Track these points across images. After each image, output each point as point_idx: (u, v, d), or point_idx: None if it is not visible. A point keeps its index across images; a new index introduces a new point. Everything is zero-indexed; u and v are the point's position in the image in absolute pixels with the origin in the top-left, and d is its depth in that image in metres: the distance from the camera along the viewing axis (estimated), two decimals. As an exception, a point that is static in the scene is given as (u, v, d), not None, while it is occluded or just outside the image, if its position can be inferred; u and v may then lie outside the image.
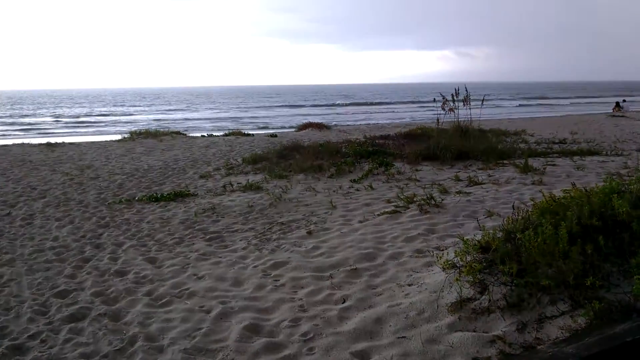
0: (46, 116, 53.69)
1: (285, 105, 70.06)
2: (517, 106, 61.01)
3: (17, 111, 63.51)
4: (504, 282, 3.84)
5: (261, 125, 39.78)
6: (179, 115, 53.96)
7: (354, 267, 5.21)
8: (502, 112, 43.99)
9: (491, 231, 4.36)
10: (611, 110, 32.91)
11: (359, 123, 35.65)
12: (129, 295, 5.00)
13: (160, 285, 5.22)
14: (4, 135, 34.36)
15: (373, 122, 36.63)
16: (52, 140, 20.72)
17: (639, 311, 3.13)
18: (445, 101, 12.94)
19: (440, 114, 13.08)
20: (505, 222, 4.53)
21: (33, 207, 9.14)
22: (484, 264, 4.09)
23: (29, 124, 43.73)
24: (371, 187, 9.07)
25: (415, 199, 7.51)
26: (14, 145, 19.48)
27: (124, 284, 5.30)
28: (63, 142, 19.77)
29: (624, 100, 39.18)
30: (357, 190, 9.01)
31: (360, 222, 6.95)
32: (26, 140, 21.92)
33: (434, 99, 13.24)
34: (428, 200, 7.25)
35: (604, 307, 3.23)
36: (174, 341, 4.00)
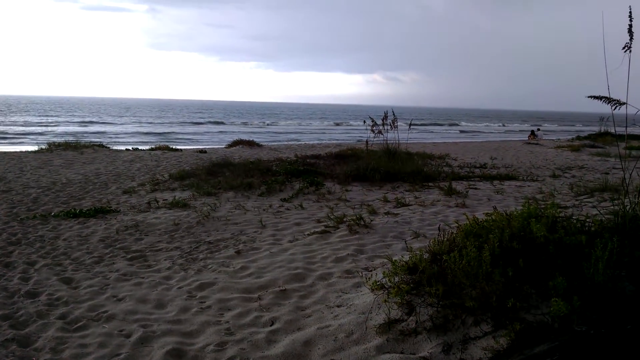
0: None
1: (214, 122, 69.08)
2: (443, 131, 63.68)
3: None
4: (430, 304, 3.92)
5: (189, 140, 38.96)
6: (97, 127, 51.59)
7: (283, 288, 5.14)
8: (428, 137, 45.75)
9: (418, 252, 4.45)
10: (527, 138, 35.08)
11: (289, 142, 35.77)
12: (41, 319, 4.65)
13: (76, 308, 4.89)
14: None
15: (303, 141, 36.88)
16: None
17: (557, 332, 3.28)
18: (374, 124, 13.26)
19: (369, 136, 13.36)
20: (431, 243, 4.64)
21: None
22: (412, 285, 4.16)
23: None
24: (302, 206, 9.05)
25: (345, 219, 7.57)
26: None
27: (35, 307, 4.92)
28: (-28, 152, 18.37)
29: (538, 129, 41.91)
30: (288, 209, 8.96)
31: (290, 241, 6.90)
32: None
33: (364, 121, 13.53)
34: (357, 221, 7.32)
35: (524, 328, 3.36)
36: (89, 369, 3.74)
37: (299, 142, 34.29)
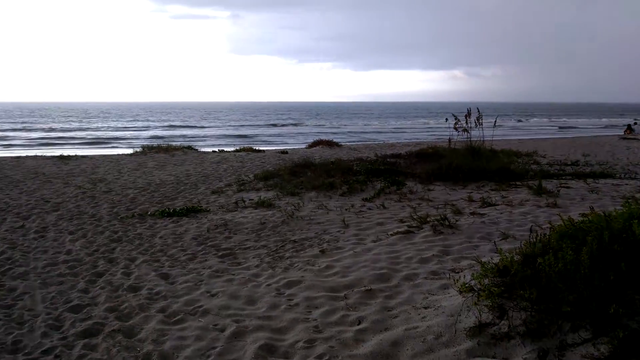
0: (57, 130, 54.16)
1: (294, 123, 70.32)
2: (530, 127, 60.82)
3: (28, 124, 64.17)
4: (523, 308, 3.79)
5: (271, 142, 39.95)
6: (185, 131, 54.14)
7: (369, 287, 5.17)
8: (513, 133, 43.94)
9: (508, 254, 4.32)
10: (623, 133, 32.76)
11: (368, 141, 35.72)
12: (143, 312, 4.99)
13: (174, 302, 5.20)
14: (14, 146, 34.72)
15: (382, 140, 36.69)
16: (65, 152, 20.90)
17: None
18: (457, 121, 12.94)
19: (451, 133, 13.07)
20: (522, 245, 4.49)
21: (46, 220, 9.19)
22: (503, 288, 4.04)
23: (42, 138, 44.13)
24: (383, 206, 9.04)
25: (428, 219, 7.47)
26: (27, 157, 19.67)
27: (138, 300, 5.29)
28: (76, 155, 19.94)
29: (635, 123, 39.01)
30: (370, 209, 8.98)
31: (374, 241, 6.92)
32: (39, 152, 22.14)
33: (446, 119, 13.24)
34: (442, 221, 7.21)
35: (628, 336, 3.18)
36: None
37: (378, 142, 34.15)
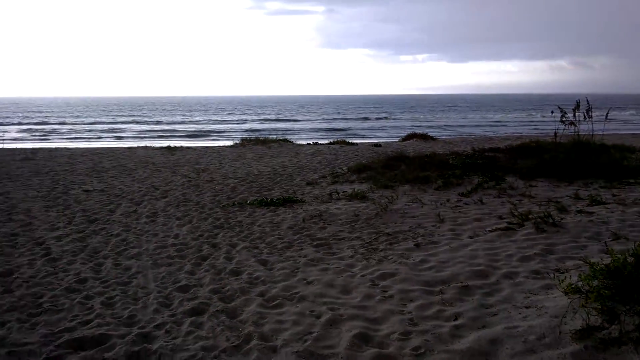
0: (163, 123, 57.78)
1: (385, 117, 69.77)
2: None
3: (138, 117, 69.04)
4: (637, 312, 3.54)
5: (364, 135, 39.97)
6: (281, 125, 55.48)
7: (466, 284, 5.06)
8: (625, 128, 40.61)
9: (620, 255, 4.05)
10: None
11: (465, 135, 34.66)
12: (244, 295, 5.24)
13: (272, 287, 5.41)
14: (125, 138, 37.55)
15: (479, 134, 35.42)
16: (172, 144, 22.29)
17: None
18: (563, 114, 12.19)
19: (558, 127, 12.33)
20: (637, 246, 4.18)
21: (156, 205, 9.90)
22: (614, 291, 3.80)
23: (150, 130, 47.33)
24: (481, 201, 8.76)
25: (530, 217, 7.14)
26: (138, 148, 21.22)
27: (239, 284, 5.57)
28: (181, 146, 21.21)
29: None
30: (466, 204, 8.74)
31: (471, 237, 6.74)
32: (148, 144, 23.81)
33: (552, 111, 12.51)
34: (545, 219, 6.86)
35: None
36: (286, 343, 4.13)
37: (475, 135, 33.02)
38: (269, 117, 69.58)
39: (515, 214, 7.41)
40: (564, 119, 11.64)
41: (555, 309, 4.11)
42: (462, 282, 5.10)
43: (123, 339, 4.32)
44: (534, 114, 68.63)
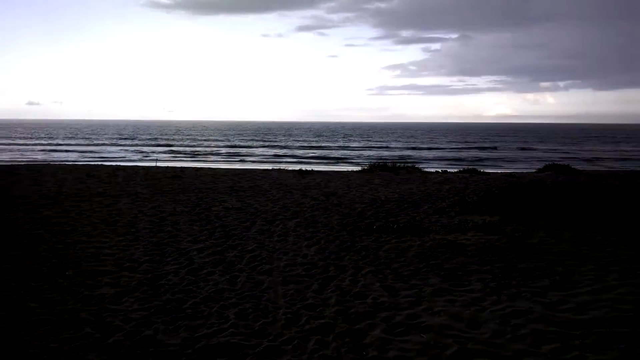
0: (293, 147, 60.25)
1: (522, 147, 66.07)
2: None
3: (267, 141, 72.83)
4: None
5: (495, 164, 38.26)
6: (407, 152, 54.85)
7: (611, 330, 4.62)
8: None
9: None
10: None
11: (614, 168, 31.68)
12: (368, 319, 5.28)
13: (397, 314, 5.38)
14: (252, 161, 39.80)
15: (632, 167, 32.13)
16: (303, 167, 23.21)
17: None
18: None
19: None
20: None
21: (287, 225, 10.35)
22: None
23: (279, 155, 49.67)
24: (632, 241, 7.94)
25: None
26: (272, 170, 22.40)
27: (364, 307, 5.62)
28: (312, 170, 22.00)
29: None
30: (614, 243, 7.98)
31: (617, 280, 6.14)
32: (282, 166, 25.04)
33: None
34: None
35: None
36: (410, 372, 4.08)
37: (624, 167, 30.01)
38: (390, 145, 69.08)
39: (673, 257, 6.62)
40: None
41: None
42: (607, 329, 4.67)
43: (254, 350, 4.57)
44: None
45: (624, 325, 4.73)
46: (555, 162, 25.64)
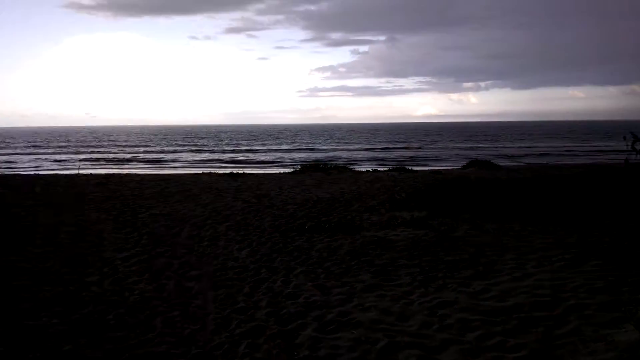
0: (223, 151, 59.42)
1: (445, 146, 68.65)
2: None
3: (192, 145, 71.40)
4: None
5: (423, 162, 39.50)
6: (332, 154, 55.13)
7: (529, 314, 4.85)
8: None
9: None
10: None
11: (532, 163, 33.55)
12: (300, 319, 5.26)
13: (328, 312, 5.40)
14: (184, 166, 38.94)
15: (546, 162, 34.17)
16: (235, 170, 22.91)
17: None
18: (635, 140, 11.61)
19: (630, 154, 11.73)
20: None
21: (218, 229, 10.16)
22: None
23: (210, 160, 48.84)
24: (546, 230, 8.42)
25: (599, 245, 6.79)
26: (203, 174, 21.96)
27: (296, 307, 5.60)
28: (244, 172, 21.76)
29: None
30: (532, 233, 8.42)
31: (535, 267, 6.48)
32: (213, 170, 24.60)
33: (624, 137, 11.94)
34: (615, 248, 6.50)
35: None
36: (341, 368, 4.10)
37: (540, 162, 31.85)
38: (317, 147, 69.33)
39: (584, 243, 7.08)
40: (635, 145, 11.07)
41: (625, 343, 3.87)
42: (525, 313, 4.91)
43: (182, 358, 4.43)
44: (598, 143, 65.38)
45: (542, 309, 4.98)
46: (478, 159, 26.78)
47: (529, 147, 61.05)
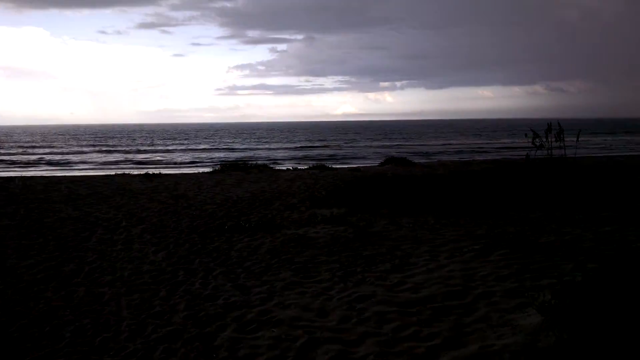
0: (137, 152, 57.26)
1: (368, 139, 70.32)
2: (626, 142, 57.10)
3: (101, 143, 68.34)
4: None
5: (342, 160, 40.17)
6: (250, 153, 54.79)
7: (442, 304, 5.07)
8: (601, 152, 41.53)
9: (592, 273, 4.12)
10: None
11: (442, 158, 35.09)
12: (219, 320, 5.16)
13: (248, 312, 5.34)
14: (98, 166, 37.15)
15: (458, 159, 35.89)
16: (150, 171, 22.09)
17: None
18: (534, 136, 12.43)
19: (531, 150, 12.56)
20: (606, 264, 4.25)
21: (132, 232, 9.75)
22: (585, 308, 3.84)
23: (126, 160, 46.88)
24: (459, 223, 8.83)
25: (507, 237, 7.22)
26: (116, 175, 20.99)
27: (214, 309, 5.49)
28: (160, 173, 21.03)
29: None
30: (445, 226, 8.80)
31: (448, 258, 6.77)
32: (127, 171, 23.58)
33: (525, 134, 12.76)
34: (521, 239, 6.94)
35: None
36: (261, 368, 4.07)
37: (454, 160, 33.41)
38: (233, 146, 68.37)
39: (492, 234, 7.49)
40: (535, 141, 11.87)
41: (529, 327, 4.13)
42: (438, 303, 5.11)
43: (93, 367, 4.21)
44: (505, 140, 69.68)
45: (453, 299, 5.21)
46: (394, 156, 27.61)
47: (443, 144, 63.84)
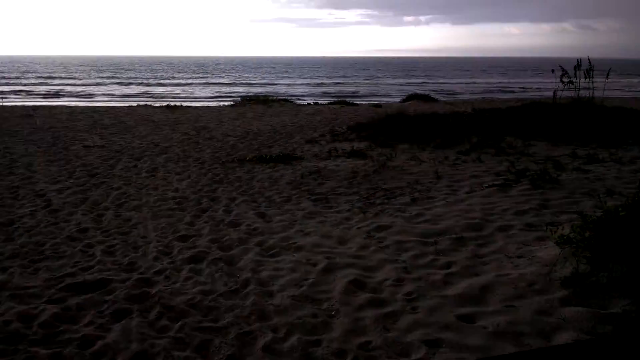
0: (155, 84, 57.05)
1: (389, 80, 68.99)
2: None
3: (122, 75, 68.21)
4: (625, 260, 3.62)
5: (364, 96, 39.64)
6: (278, 88, 54.51)
7: (460, 235, 5.15)
8: (629, 93, 40.23)
9: (611, 206, 4.12)
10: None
11: (467, 96, 34.41)
12: (242, 244, 5.34)
13: (270, 238, 5.50)
14: (116, 97, 37.27)
15: (480, 96, 35.16)
16: (172, 103, 22.16)
17: None
18: (563, 74, 12.08)
19: (558, 88, 12.25)
20: (629, 200, 4.24)
21: (156, 161, 9.94)
22: (605, 241, 3.88)
23: (145, 92, 46.84)
24: (479, 159, 8.80)
25: (527, 174, 7.19)
26: (138, 106, 21.13)
27: (238, 234, 5.66)
28: (182, 105, 21.11)
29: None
30: (464, 162, 8.78)
31: (467, 193, 6.81)
32: (149, 102, 23.68)
33: (552, 70, 12.40)
34: (542, 175, 6.91)
35: None
36: (283, 288, 4.25)
37: (476, 97, 32.76)
38: (263, 81, 67.85)
39: (513, 170, 7.47)
40: (563, 78, 11.54)
41: (546, 258, 4.20)
42: (456, 234, 5.19)
43: (123, 283, 4.43)
44: (532, 80, 67.70)
45: (472, 230, 5.29)
46: (417, 93, 27.14)
47: (467, 83, 62.35)
